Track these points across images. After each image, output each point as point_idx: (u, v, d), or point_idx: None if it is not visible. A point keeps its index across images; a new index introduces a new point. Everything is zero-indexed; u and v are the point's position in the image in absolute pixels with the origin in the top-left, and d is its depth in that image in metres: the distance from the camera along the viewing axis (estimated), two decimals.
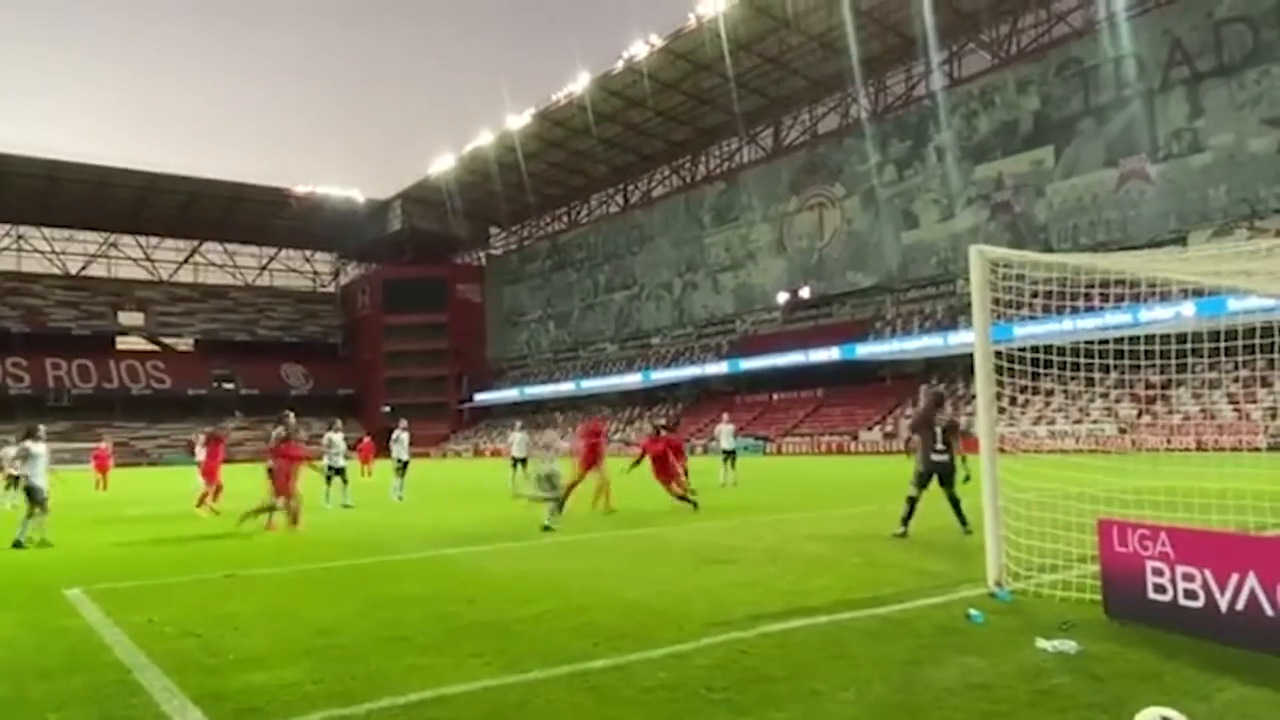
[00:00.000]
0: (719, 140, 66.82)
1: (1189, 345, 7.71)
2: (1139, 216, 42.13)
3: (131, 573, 9.13)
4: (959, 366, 44.71)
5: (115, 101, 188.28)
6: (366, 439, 33.30)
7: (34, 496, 11.57)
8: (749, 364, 58.75)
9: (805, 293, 58.26)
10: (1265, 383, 32.35)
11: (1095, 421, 36.51)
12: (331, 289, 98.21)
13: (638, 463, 14.77)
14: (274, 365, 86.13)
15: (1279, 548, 5.01)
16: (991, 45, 51.36)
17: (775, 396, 59.52)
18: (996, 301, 6.78)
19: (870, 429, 48.44)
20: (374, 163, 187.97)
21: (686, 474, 14.72)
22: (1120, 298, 8.55)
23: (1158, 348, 7.67)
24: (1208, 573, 4.96)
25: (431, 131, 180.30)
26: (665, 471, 14.33)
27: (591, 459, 14.32)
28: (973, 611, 5.67)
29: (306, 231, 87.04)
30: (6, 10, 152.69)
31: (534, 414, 73.72)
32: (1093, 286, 7.36)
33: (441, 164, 71.84)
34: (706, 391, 64.15)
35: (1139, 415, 35.32)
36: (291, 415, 14.14)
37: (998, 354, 7.07)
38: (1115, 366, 9.10)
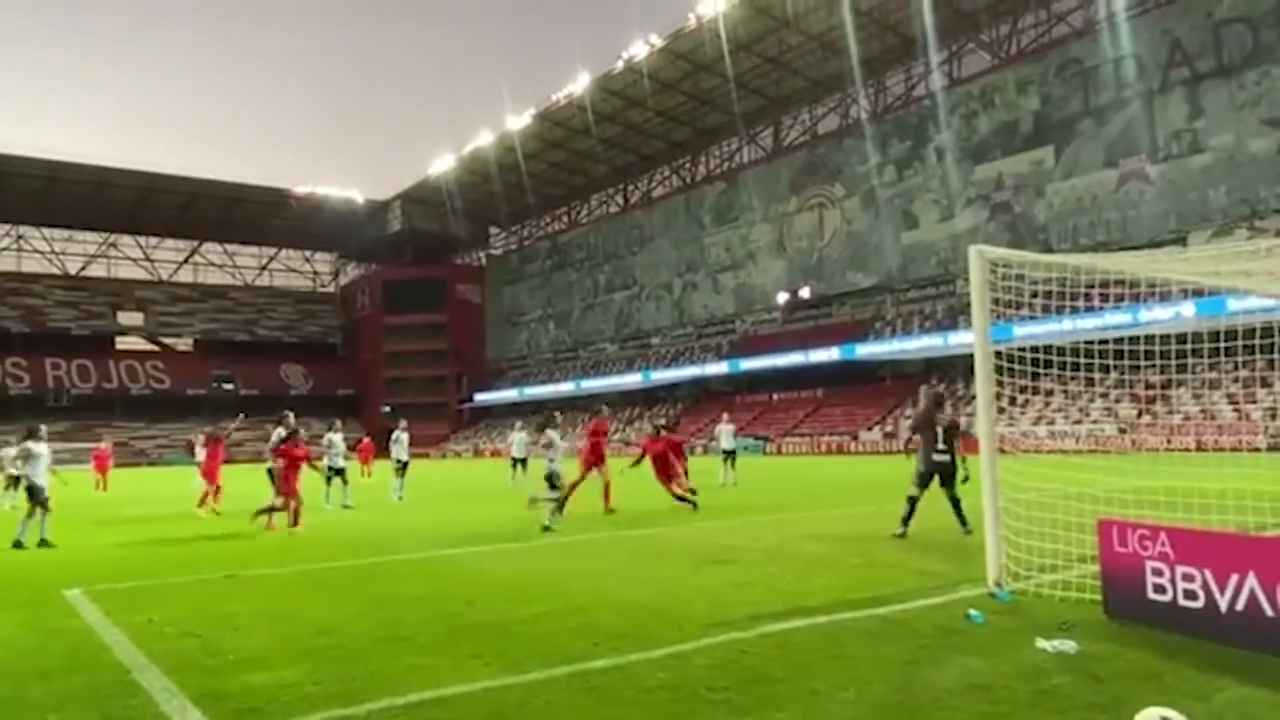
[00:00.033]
0: (719, 140, 66.84)
1: (1189, 345, 7.71)
2: (1139, 217, 42.14)
3: (131, 573, 9.13)
4: (959, 367, 44.72)
5: (115, 102, 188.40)
6: (366, 440, 33.28)
7: (35, 496, 11.58)
8: (749, 364, 58.76)
9: (805, 293, 58.27)
10: (1265, 383, 32.35)
11: (1095, 422, 36.52)
12: (331, 289, 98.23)
13: (637, 462, 14.78)
14: (273, 365, 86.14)
15: (1279, 548, 5.01)
16: (991, 45, 51.36)
17: (775, 396, 59.53)
18: (996, 302, 6.78)
19: (870, 429, 48.45)
20: (374, 163, 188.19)
21: (686, 474, 14.72)
22: (1120, 298, 8.55)
23: (1158, 348, 7.68)
24: (1207, 573, 4.96)
25: (431, 132, 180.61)
26: (665, 471, 14.34)
27: (594, 458, 14.29)
28: (972, 612, 5.67)
29: (306, 232, 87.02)
30: (6, 11, 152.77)
31: (533, 413, 73.76)
32: (1092, 287, 7.36)
33: (441, 164, 71.83)
34: (706, 392, 64.14)
35: (1139, 415, 35.32)
36: (291, 415, 14.14)
37: (997, 354, 7.07)
38: (1115, 367, 9.10)
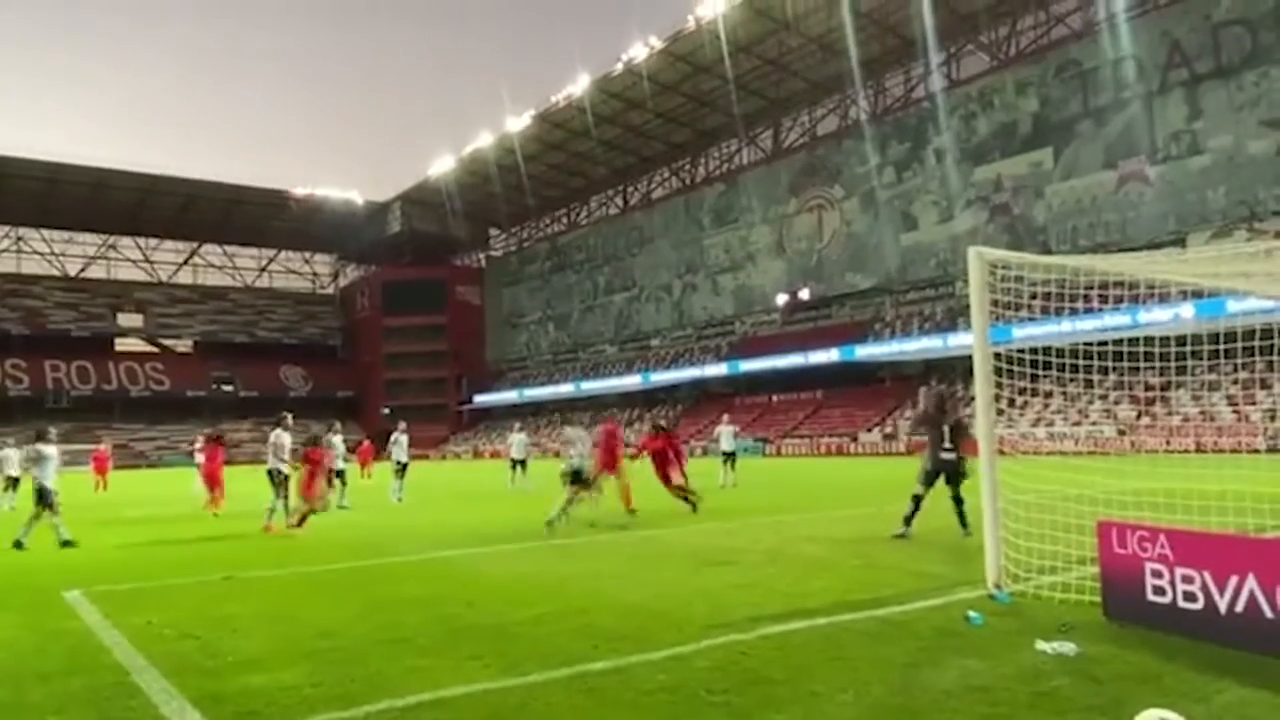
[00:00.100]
0: (718, 142, 66.88)
1: (1188, 347, 7.70)
2: (1138, 218, 42.16)
3: (130, 575, 9.12)
4: (958, 368, 44.70)
5: (115, 102, 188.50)
6: (366, 442, 33.31)
7: (44, 498, 11.61)
8: (748, 365, 58.77)
9: (804, 294, 58.28)
10: (1264, 384, 32.34)
11: (1094, 423, 36.53)
12: (331, 291, 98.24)
13: (635, 458, 14.82)
14: (273, 367, 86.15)
15: (1278, 550, 5.01)
16: (990, 47, 51.41)
17: (775, 398, 59.54)
18: (995, 303, 6.78)
19: (870, 430, 48.46)
20: (373, 164, 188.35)
21: (685, 476, 14.70)
22: (1119, 299, 8.53)
23: (1157, 349, 7.67)
24: (1207, 575, 4.96)
25: (431, 133, 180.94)
26: (664, 468, 14.36)
27: (609, 460, 14.22)
28: (972, 613, 5.67)
29: (306, 233, 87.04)
30: (6, 11, 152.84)
31: (533, 415, 73.74)
32: (1091, 288, 7.34)
33: (441, 166, 71.85)
34: (706, 393, 64.14)
35: (1138, 417, 35.33)
36: (289, 416, 14.15)
37: (997, 355, 7.07)
38: (1114, 368, 9.08)
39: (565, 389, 72.69)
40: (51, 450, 11.96)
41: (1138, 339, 8.14)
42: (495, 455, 58.04)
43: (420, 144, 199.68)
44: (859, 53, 50.78)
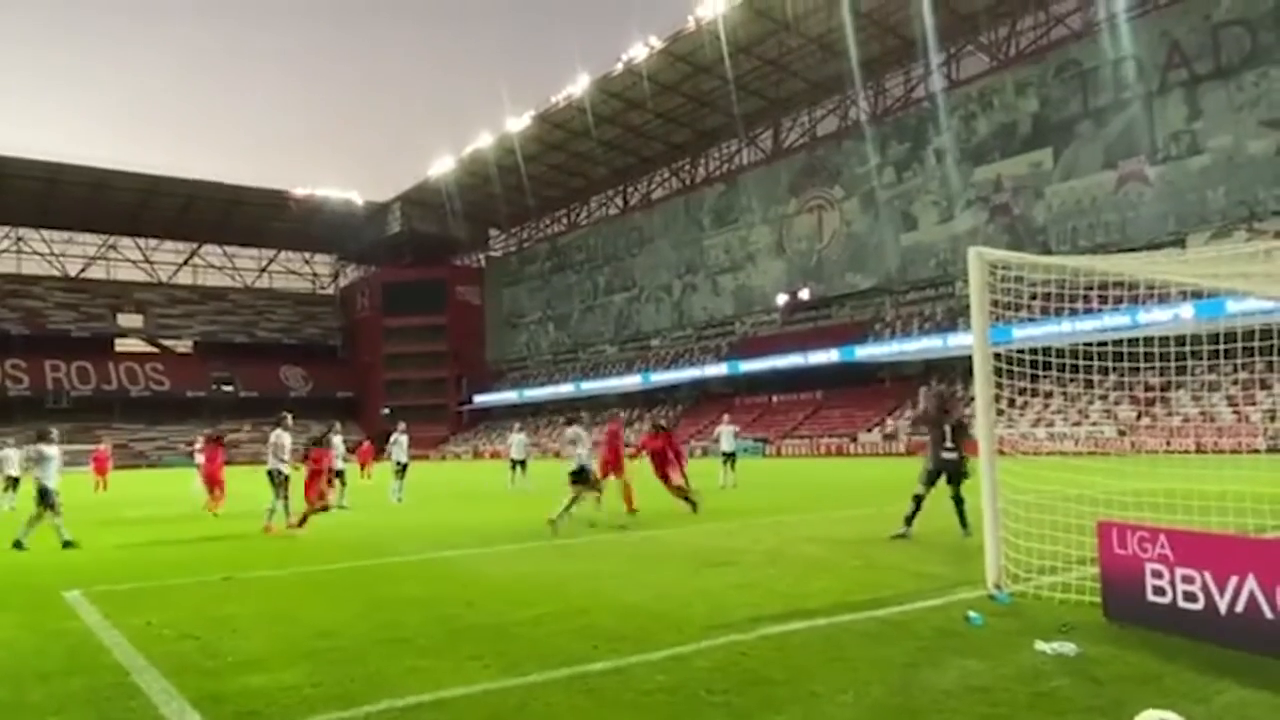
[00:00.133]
0: (718, 142, 66.89)
1: (1188, 347, 7.70)
2: (1138, 218, 42.17)
3: (130, 575, 9.13)
4: (958, 368, 44.66)
5: (115, 102, 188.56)
6: (366, 443, 33.33)
7: (46, 499, 11.62)
8: (748, 366, 58.77)
9: (804, 294, 58.29)
10: (1264, 385, 32.35)
11: (1094, 423, 36.54)
12: (331, 291, 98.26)
13: (633, 457, 14.83)
14: (273, 367, 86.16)
15: (1278, 550, 5.01)
16: (990, 47, 51.42)
17: (774, 398, 59.54)
18: (995, 303, 6.78)
19: (870, 431, 48.45)
20: (373, 165, 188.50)
21: (685, 477, 14.69)
22: (1119, 300, 8.54)
23: (1157, 350, 7.68)
24: (1207, 575, 4.96)
25: (431, 133, 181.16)
26: (664, 468, 14.36)
27: (613, 461, 14.21)
28: (972, 614, 5.67)
29: (306, 234, 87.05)
30: (6, 11, 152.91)
31: (533, 415, 73.72)
32: (1091, 288, 7.35)
33: (441, 166, 71.87)
34: (706, 393, 64.15)
35: (1138, 417, 35.33)
36: (289, 417, 14.13)
37: (996, 356, 7.07)
38: (1114, 369, 9.08)
39: (565, 389, 72.67)
40: (53, 451, 11.99)
41: (1138, 339, 8.14)
42: (495, 456, 58.04)
43: (420, 144, 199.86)
44: (859, 53, 50.79)
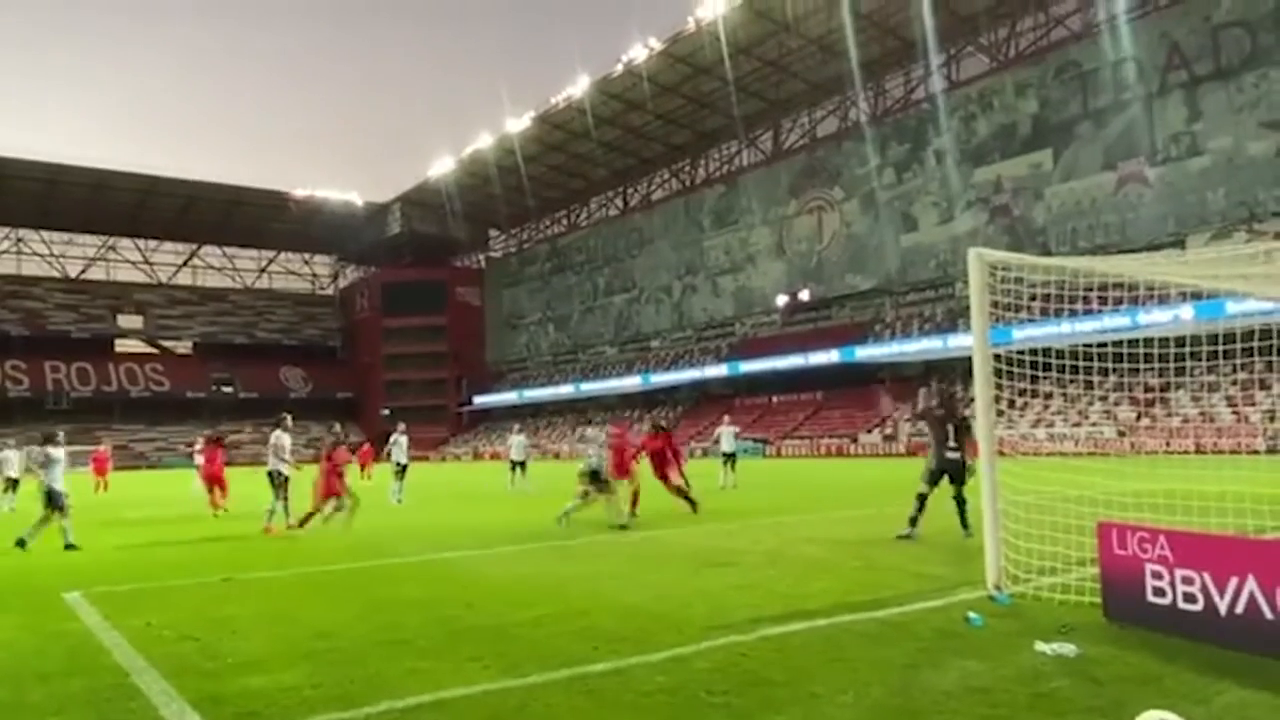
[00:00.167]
0: (718, 143, 66.91)
1: (1187, 348, 7.70)
2: (1137, 219, 42.18)
3: (130, 576, 9.12)
4: (958, 369, 44.55)
5: (115, 102, 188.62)
6: (366, 445, 33.32)
7: (54, 501, 11.64)
8: (748, 367, 58.78)
9: (804, 295, 58.29)
10: (1264, 385, 32.36)
11: (1094, 424, 36.54)
12: (330, 292, 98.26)
13: (634, 457, 14.81)
14: (273, 368, 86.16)
15: (1278, 551, 5.01)
16: (990, 48, 51.44)
17: (775, 399, 59.54)
18: (995, 304, 6.78)
19: (870, 431, 48.45)
20: (373, 166, 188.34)
21: (684, 478, 14.68)
22: (1119, 301, 8.54)
23: (1156, 351, 7.68)
24: (1207, 576, 4.96)
25: (430, 134, 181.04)
26: (663, 468, 14.36)
27: (621, 465, 14.16)
28: (972, 615, 5.67)
29: (305, 234, 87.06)
30: (6, 11, 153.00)
31: (533, 416, 73.75)
32: (1091, 289, 7.35)
33: (441, 167, 71.87)
34: (706, 394, 64.14)
35: (1138, 418, 35.34)
36: (289, 417, 14.14)
37: (996, 357, 7.07)
38: (1114, 369, 9.08)
39: (565, 390, 72.69)
40: (60, 453, 12.02)
41: (1137, 340, 8.15)
42: (495, 457, 58.03)
43: (420, 145, 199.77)
44: (859, 54, 50.80)
